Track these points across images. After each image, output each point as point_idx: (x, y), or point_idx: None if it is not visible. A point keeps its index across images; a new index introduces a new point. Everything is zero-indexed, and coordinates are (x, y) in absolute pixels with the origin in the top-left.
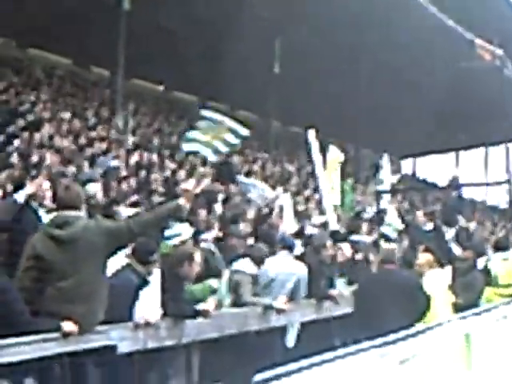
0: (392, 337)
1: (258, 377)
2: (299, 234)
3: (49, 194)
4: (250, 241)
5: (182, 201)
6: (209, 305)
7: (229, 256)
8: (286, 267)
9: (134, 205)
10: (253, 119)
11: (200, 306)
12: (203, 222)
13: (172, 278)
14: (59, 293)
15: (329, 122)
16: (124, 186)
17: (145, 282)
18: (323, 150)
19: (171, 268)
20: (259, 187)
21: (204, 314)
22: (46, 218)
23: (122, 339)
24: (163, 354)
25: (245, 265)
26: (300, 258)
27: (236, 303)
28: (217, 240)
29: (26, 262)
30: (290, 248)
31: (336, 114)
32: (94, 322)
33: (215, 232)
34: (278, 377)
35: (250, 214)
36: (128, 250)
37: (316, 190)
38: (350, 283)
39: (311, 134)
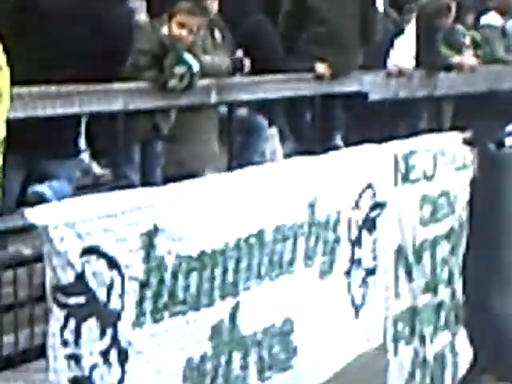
0: None
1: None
2: None
3: None
4: None
5: None
6: (465, 59)
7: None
8: None
9: None
10: None
11: (455, 59)
12: None
13: (428, 28)
14: (316, 36)
15: None
16: None
17: (400, 31)
18: None
19: (428, 19)
20: None
21: (458, 67)
22: None
23: (374, 86)
24: (414, 103)
25: (492, 18)
26: None
27: (487, 59)
28: None
29: (287, 5)
30: None
31: None
32: (349, 68)
33: None
34: None
35: None
36: None
37: None
38: None
39: None
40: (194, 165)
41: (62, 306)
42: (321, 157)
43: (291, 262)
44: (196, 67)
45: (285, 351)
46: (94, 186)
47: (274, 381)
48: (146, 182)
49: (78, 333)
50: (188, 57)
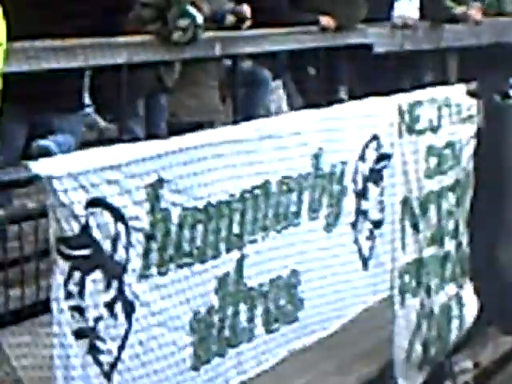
0: None
1: None
2: None
3: None
4: None
5: None
6: (470, 11)
7: None
8: None
9: None
10: None
11: (458, 10)
12: None
13: None
14: None
15: None
16: None
17: None
18: None
19: None
20: None
21: (463, 18)
22: None
23: (378, 38)
24: (419, 56)
25: None
26: None
27: (493, 12)
28: None
29: None
30: None
31: None
32: (353, 20)
33: None
34: None
35: None
36: None
37: None
38: None
39: None
40: (199, 117)
41: (67, 257)
42: (326, 109)
43: (297, 214)
44: (200, 19)
45: (291, 303)
46: (99, 140)
47: (281, 333)
48: (151, 136)
49: (82, 285)
50: (191, 9)
